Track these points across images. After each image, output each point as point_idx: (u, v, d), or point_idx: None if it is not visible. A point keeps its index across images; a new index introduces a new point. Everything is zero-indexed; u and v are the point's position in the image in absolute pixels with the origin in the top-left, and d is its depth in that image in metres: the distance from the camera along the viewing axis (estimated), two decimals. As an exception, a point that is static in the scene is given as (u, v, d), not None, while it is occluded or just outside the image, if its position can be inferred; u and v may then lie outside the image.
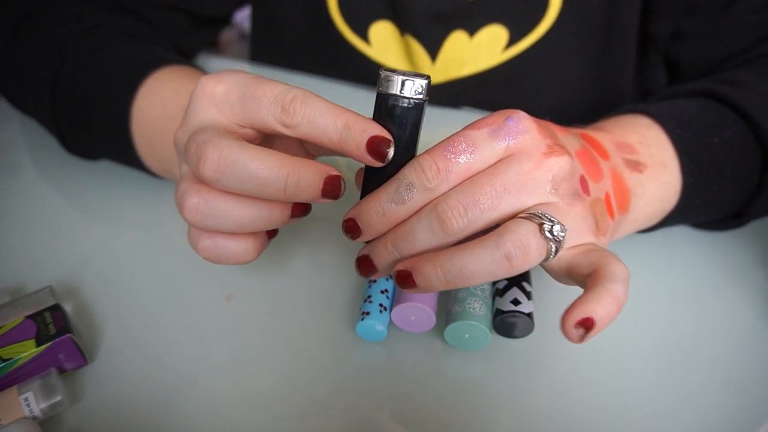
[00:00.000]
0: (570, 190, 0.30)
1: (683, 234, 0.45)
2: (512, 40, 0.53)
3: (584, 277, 0.29)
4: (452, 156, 0.29)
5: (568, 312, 0.27)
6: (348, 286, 0.41)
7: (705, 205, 0.40)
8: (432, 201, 0.29)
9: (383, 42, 0.56)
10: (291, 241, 0.44)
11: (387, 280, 0.37)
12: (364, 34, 0.55)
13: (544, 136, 0.30)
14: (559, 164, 0.30)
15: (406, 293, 0.36)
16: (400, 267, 0.30)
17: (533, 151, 0.30)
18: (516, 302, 0.36)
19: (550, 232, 0.28)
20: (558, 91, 0.56)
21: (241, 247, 0.32)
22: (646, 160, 0.38)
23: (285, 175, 0.29)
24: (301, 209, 0.32)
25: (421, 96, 0.29)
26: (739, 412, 0.34)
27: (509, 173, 0.29)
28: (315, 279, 0.41)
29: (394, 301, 0.36)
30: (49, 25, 0.46)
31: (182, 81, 0.42)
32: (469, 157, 0.29)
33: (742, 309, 0.40)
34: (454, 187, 0.29)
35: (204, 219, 0.30)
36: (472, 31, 0.52)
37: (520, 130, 0.30)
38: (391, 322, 0.37)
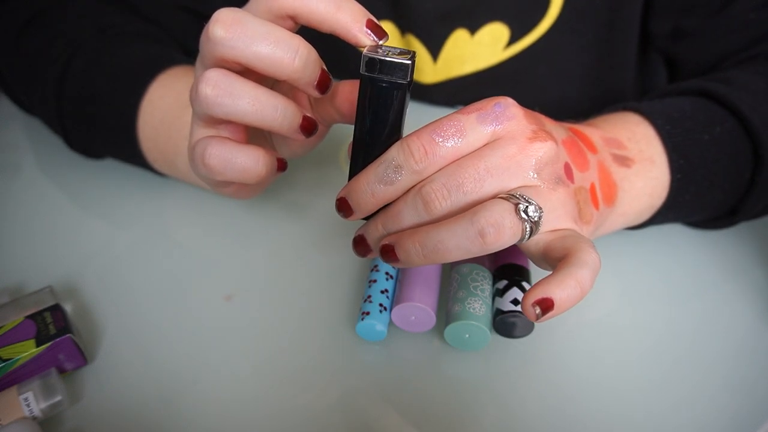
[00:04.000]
0: (553, 175, 0.31)
1: (682, 232, 0.45)
2: (513, 38, 0.53)
3: (557, 261, 0.29)
4: (440, 140, 0.30)
5: (530, 290, 0.28)
6: (348, 286, 0.41)
7: (695, 201, 0.40)
8: (418, 183, 0.30)
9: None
10: (291, 241, 0.44)
11: (387, 280, 0.37)
12: None
13: (530, 122, 0.31)
14: (543, 149, 0.31)
15: (406, 293, 0.36)
16: (384, 241, 0.31)
17: (518, 136, 0.30)
18: (516, 302, 0.36)
19: (525, 212, 0.29)
20: (559, 89, 0.56)
21: (251, 159, 0.31)
22: (635, 155, 0.38)
23: (296, 45, 0.29)
24: (309, 123, 0.32)
25: (403, 79, 0.29)
26: (739, 412, 0.34)
27: (493, 157, 0.30)
28: (315, 279, 0.41)
29: (394, 301, 0.36)
30: (62, 23, 0.47)
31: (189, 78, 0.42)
32: (456, 141, 0.30)
33: (742, 308, 0.40)
34: (441, 169, 0.30)
35: (221, 95, 0.29)
36: (473, 29, 0.52)
37: (507, 116, 0.31)
38: (391, 322, 0.37)
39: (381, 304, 0.36)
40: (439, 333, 0.37)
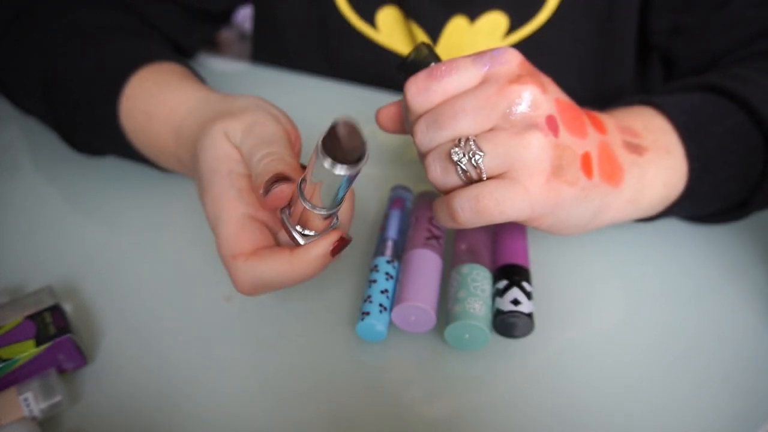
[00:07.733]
0: (525, 120, 0.31)
1: (682, 232, 0.45)
2: (512, 28, 0.53)
3: None
4: (432, 79, 0.32)
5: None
6: (348, 286, 0.41)
7: (713, 193, 0.40)
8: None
9: (390, 27, 0.56)
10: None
11: (387, 280, 0.37)
12: (371, 20, 0.56)
13: (521, 69, 0.32)
14: (521, 91, 0.31)
15: (406, 293, 0.36)
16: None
17: (501, 79, 0.31)
18: (516, 302, 0.36)
19: (459, 161, 0.31)
20: (557, 80, 0.56)
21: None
22: (649, 144, 0.38)
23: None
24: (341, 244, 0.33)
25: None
26: (739, 412, 0.34)
27: (472, 97, 0.31)
28: (315, 279, 0.41)
29: (394, 301, 0.36)
30: (33, 26, 0.46)
31: (155, 89, 0.42)
32: (448, 78, 0.31)
33: (742, 307, 0.40)
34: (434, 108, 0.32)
35: (261, 291, 0.33)
36: (472, 16, 0.53)
37: (501, 61, 0.32)
38: (391, 322, 0.37)
39: (381, 304, 0.36)
40: (439, 333, 0.37)
